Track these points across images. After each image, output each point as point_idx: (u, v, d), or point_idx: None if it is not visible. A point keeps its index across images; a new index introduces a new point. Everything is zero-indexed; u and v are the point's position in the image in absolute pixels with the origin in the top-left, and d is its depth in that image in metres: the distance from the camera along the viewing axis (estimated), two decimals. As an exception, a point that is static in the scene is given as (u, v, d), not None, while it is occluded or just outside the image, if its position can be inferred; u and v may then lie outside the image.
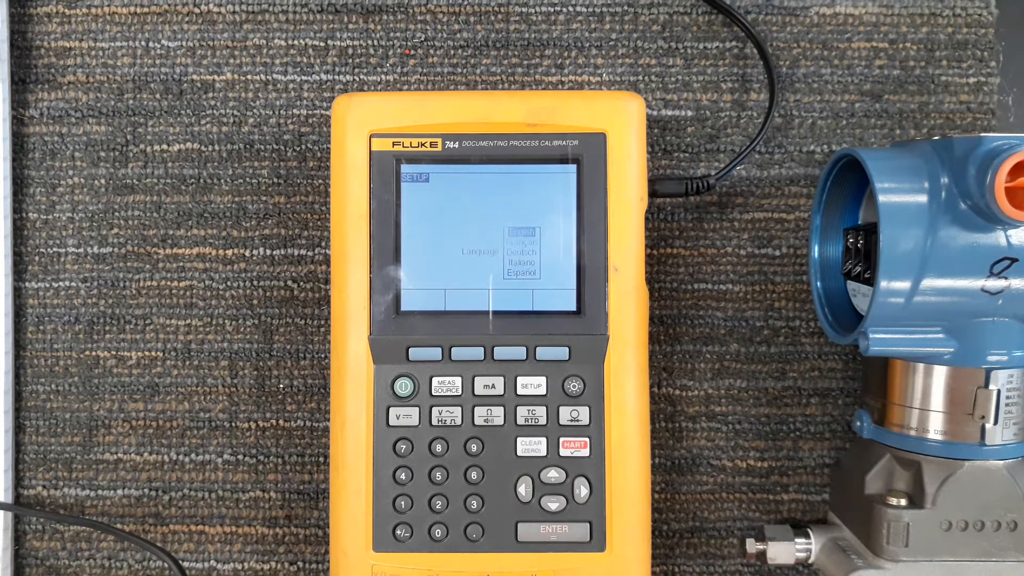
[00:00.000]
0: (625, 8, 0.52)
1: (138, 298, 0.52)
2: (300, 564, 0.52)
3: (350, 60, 0.52)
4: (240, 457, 0.52)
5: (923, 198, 0.41)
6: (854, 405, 0.52)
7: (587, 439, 0.45)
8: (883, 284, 0.41)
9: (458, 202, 0.45)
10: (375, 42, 0.52)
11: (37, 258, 0.52)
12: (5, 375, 0.51)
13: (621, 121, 0.45)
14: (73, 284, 0.52)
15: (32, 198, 0.52)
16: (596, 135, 0.45)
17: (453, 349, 0.45)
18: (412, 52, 0.52)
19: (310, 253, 0.52)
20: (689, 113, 0.52)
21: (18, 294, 0.52)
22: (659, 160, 0.52)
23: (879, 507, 0.43)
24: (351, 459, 0.44)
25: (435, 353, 0.45)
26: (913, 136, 0.52)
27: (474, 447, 0.45)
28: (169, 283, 0.52)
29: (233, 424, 0.52)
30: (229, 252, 0.52)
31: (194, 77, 0.52)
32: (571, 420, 0.45)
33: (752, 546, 0.47)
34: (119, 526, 0.51)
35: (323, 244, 0.52)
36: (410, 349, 0.45)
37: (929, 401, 0.43)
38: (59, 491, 0.52)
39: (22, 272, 0.52)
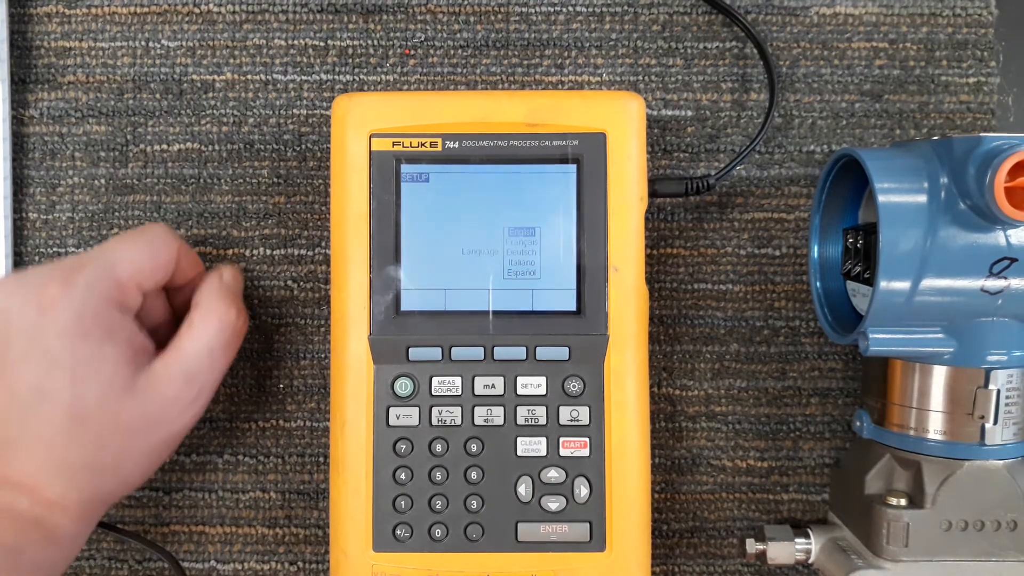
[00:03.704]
0: (625, 8, 0.52)
1: (138, 298, 0.52)
2: (300, 564, 0.52)
3: (350, 60, 0.52)
4: (240, 457, 0.52)
5: (923, 198, 0.41)
6: (854, 405, 0.52)
7: (587, 439, 0.45)
8: (883, 284, 0.41)
9: (458, 202, 0.45)
10: (375, 42, 0.52)
11: (37, 258, 0.52)
12: (5, 375, 0.51)
13: (621, 121, 0.45)
14: (73, 284, 0.52)
15: (32, 198, 0.52)
16: (596, 135, 0.45)
17: (453, 349, 0.45)
18: (412, 52, 0.52)
19: (310, 253, 0.52)
20: (689, 113, 0.52)
21: (18, 294, 0.52)
22: (659, 160, 0.52)
23: (879, 507, 0.43)
24: (351, 459, 0.44)
25: (435, 353, 0.45)
26: (913, 136, 0.52)
27: (474, 447, 0.45)
28: (169, 283, 0.52)
29: (233, 424, 0.52)
30: (229, 252, 0.52)
31: (194, 77, 0.52)
32: (571, 420, 0.45)
33: (752, 546, 0.47)
34: (119, 526, 0.51)
35: (323, 244, 0.52)
36: (410, 349, 0.45)
37: (929, 401, 0.43)
38: (59, 491, 0.52)
39: (22, 272, 0.52)
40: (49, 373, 0.40)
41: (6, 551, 0.39)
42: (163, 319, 0.47)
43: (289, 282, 0.52)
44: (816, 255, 0.48)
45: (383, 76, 0.52)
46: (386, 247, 0.45)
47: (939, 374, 0.43)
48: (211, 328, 0.43)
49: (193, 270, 0.46)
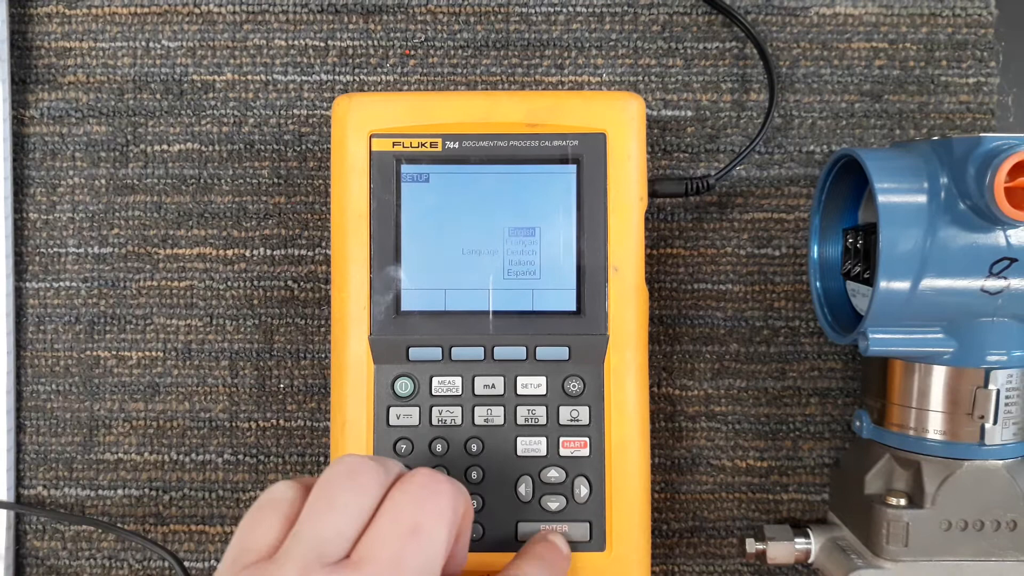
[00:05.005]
0: (625, 8, 0.52)
1: (138, 298, 0.52)
2: (300, 564, 0.52)
3: (350, 60, 0.52)
4: (240, 457, 0.52)
5: (922, 198, 0.41)
6: (854, 405, 0.52)
7: (587, 439, 0.45)
8: (883, 284, 0.41)
9: (458, 202, 0.45)
10: (375, 42, 0.52)
11: (37, 258, 0.52)
12: (6, 375, 0.51)
13: (621, 121, 0.45)
14: (73, 284, 0.52)
15: (32, 198, 0.52)
16: (596, 135, 0.45)
17: (453, 349, 0.45)
18: (412, 52, 0.52)
19: (310, 253, 0.52)
20: (689, 113, 0.52)
21: (18, 294, 0.52)
22: (659, 160, 0.52)
23: (879, 507, 0.43)
24: (351, 459, 0.44)
25: (435, 353, 0.45)
26: (913, 136, 0.52)
27: (474, 447, 0.45)
28: (169, 283, 0.52)
29: (233, 424, 0.52)
30: (229, 252, 0.52)
31: (194, 77, 0.52)
32: (571, 420, 0.45)
33: (752, 546, 0.47)
34: (119, 526, 0.51)
35: (323, 244, 0.52)
36: (410, 349, 0.45)
37: (928, 401, 0.43)
38: (59, 491, 0.52)
39: (22, 272, 0.52)
40: None
41: None
42: None
43: (289, 282, 0.52)
44: (816, 255, 0.48)
45: (383, 76, 0.52)
46: (386, 247, 0.45)
47: (939, 374, 0.43)
48: None
49: None
